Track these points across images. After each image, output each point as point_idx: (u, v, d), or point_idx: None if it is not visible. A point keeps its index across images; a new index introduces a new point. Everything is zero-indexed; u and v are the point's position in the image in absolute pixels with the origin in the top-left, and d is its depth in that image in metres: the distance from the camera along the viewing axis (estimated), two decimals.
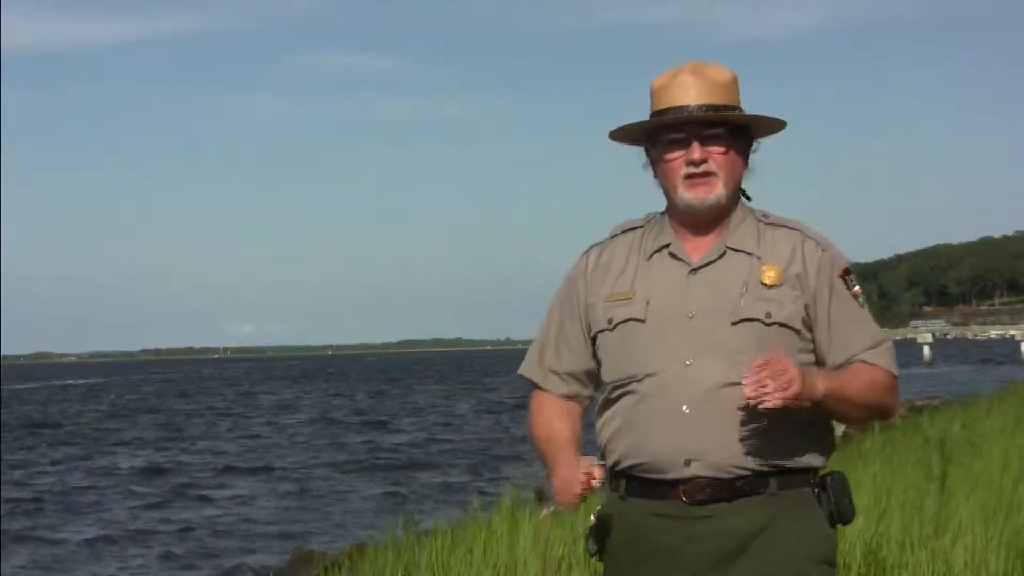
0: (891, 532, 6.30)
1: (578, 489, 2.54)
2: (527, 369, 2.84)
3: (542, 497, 11.82)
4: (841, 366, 2.61)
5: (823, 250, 2.65)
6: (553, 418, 2.77)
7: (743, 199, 2.72)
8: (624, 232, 2.78)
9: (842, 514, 2.61)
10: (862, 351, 2.62)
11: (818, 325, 2.62)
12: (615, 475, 2.68)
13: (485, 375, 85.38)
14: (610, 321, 2.67)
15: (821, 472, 2.65)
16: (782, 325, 2.58)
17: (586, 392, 2.79)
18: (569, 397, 2.79)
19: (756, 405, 2.44)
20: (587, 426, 2.78)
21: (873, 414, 2.67)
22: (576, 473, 2.54)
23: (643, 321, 2.63)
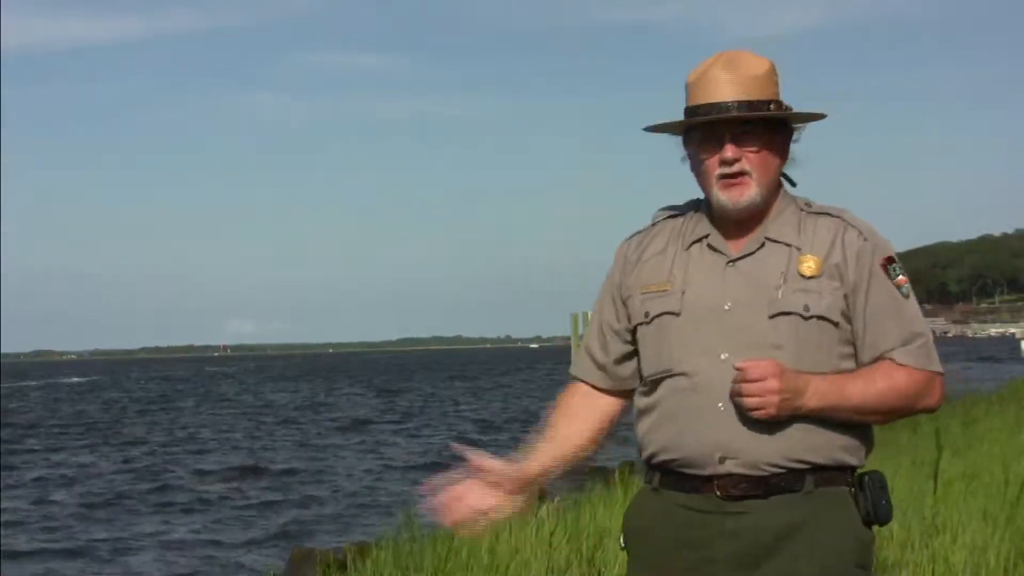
0: (891, 531, 6.29)
1: (454, 514, 2.65)
2: (574, 368, 2.79)
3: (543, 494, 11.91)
4: (871, 363, 2.53)
5: (864, 239, 2.55)
6: (560, 416, 2.73)
7: (787, 186, 2.64)
8: (665, 219, 2.71)
9: (879, 515, 2.54)
10: (891, 348, 2.53)
11: (855, 317, 2.53)
12: (650, 468, 2.62)
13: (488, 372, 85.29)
14: (647, 315, 2.61)
15: (859, 471, 2.57)
16: (820, 318, 2.50)
17: (632, 384, 2.70)
18: (612, 392, 2.73)
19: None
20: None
21: (892, 418, 2.59)
22: (469, 495, 2.63)
23: (678, 314, 2.56)
